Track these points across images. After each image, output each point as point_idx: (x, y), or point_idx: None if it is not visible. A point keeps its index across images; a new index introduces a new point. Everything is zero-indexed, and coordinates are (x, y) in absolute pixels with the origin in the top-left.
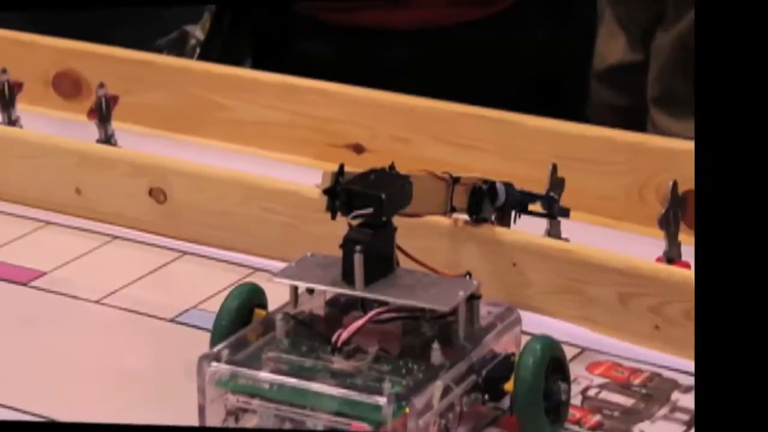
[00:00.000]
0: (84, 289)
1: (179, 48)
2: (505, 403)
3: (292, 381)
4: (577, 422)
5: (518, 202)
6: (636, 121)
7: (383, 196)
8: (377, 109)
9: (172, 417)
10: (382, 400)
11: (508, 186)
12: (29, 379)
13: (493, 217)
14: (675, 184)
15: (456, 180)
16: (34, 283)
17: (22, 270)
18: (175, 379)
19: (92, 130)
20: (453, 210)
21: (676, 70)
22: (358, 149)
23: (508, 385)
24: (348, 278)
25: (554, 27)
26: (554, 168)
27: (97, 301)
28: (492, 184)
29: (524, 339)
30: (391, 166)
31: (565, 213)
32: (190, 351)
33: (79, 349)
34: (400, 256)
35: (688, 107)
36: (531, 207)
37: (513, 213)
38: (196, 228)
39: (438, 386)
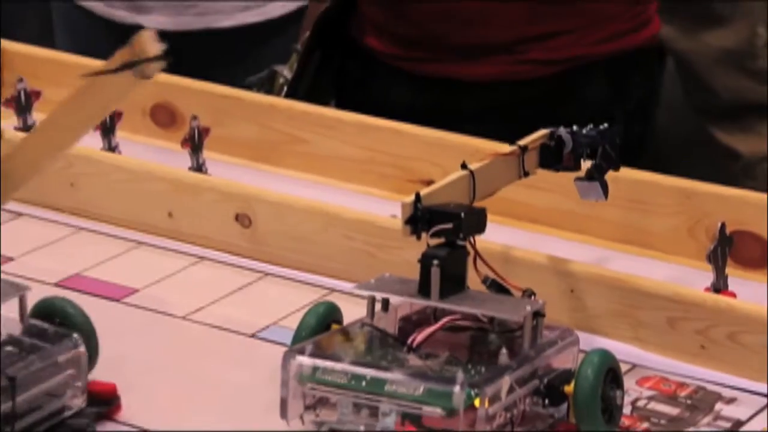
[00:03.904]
0: (173, 306)
1: (268, 86)
2: (562, 410)
3: (370, 371)
4: (627, 429)
5: (586, 144)
6: None
7: (462, 214)
8: (448, 149)
9: (252, 423)
10: (455, 388)
11: (572, 132)
12: (120, 388)
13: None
14: (723, 225)
15: (524, 149)
16: (126, 300)
17: (116, 287)
18: (256, 388)
19: (185, 158)
20: (526, 174)
21: None
22: (431, 185)
23: (569, 388)
24: (424, 292)
25: (613, 89)
26: None
27: (184, 317)
28: (558, 137)
29: (581, 356)
30: (463, 164)
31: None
32: (270, 363)
33: (167, 361)
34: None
35: None
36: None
37: (582, 155)
38: (278, 252)
39: (506, 380)
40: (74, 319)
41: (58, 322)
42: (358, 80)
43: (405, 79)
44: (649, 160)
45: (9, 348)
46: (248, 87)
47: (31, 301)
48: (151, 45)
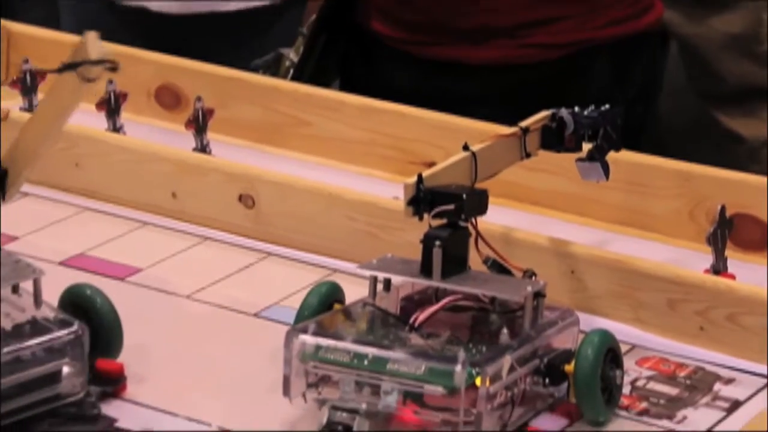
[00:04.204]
0: (176, 285)
1: (274, 69)
2: (562, 390)
3: (372, 350)
4: (626, 408)
5: (588, 126)
6: None
7: (464, 195)
8: (451, 131)
9: (255, 401)
10: (456, 367)
11: (574, 113)
12: (124, 366)
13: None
14: (723, 207)
15: (526, 131)
16: (130, 279)
17: (120, 266)
18: (259, 367)
19: (189, 139)
20: (528, 156)
21: None
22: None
23: (569, 367)
24: (426, 272)
25: (616, 73)
26: None
27: (187, 297)
28: (560, 119)
29: (581, 337)
30: (465, 146)
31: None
32: (272, 342)
33: (171, 340)
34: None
35: None
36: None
37: (584, 136)
38: (281, 232)
39: (507, 360)
40: (100, 309)
41: (81, 310)
42: (363, 63)
43: (410, 63)
44: (652, 144)
45: (27, 327)
46: (254, 70)
47: (59, 285)
48: (93, 48)
